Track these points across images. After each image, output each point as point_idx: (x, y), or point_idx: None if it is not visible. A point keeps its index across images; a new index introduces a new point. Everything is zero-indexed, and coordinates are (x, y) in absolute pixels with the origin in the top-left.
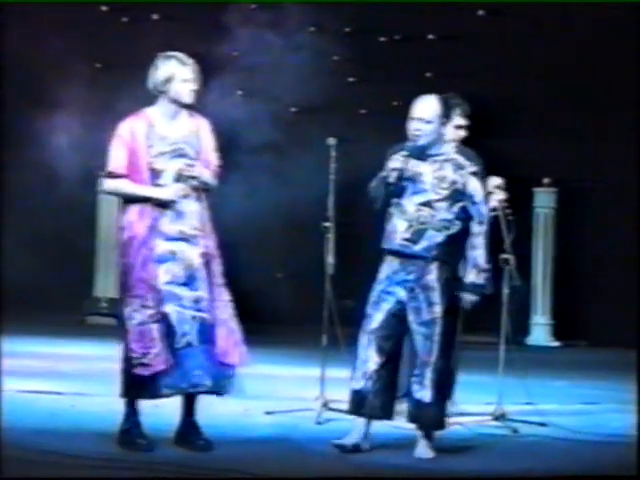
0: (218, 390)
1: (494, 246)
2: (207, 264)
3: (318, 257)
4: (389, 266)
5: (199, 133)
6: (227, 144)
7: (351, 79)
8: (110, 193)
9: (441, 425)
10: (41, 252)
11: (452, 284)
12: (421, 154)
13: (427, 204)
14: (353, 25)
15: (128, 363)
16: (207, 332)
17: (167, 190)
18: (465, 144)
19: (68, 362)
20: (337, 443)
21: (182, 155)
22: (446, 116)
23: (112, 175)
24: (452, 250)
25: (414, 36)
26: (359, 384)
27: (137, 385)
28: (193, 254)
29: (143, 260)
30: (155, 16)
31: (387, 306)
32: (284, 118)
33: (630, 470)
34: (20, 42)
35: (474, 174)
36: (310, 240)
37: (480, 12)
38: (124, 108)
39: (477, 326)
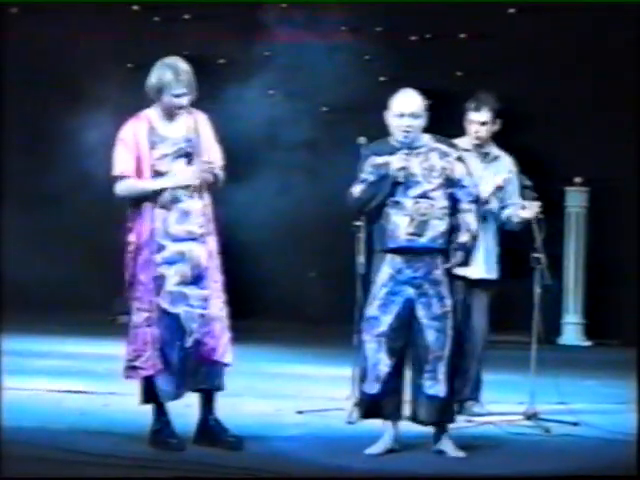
0: (217, 387)
1: (526, 246)
2: (213, 260)
3: (350, 257)
4: (391, 266)
5: (198, 129)
6: (259, 143)
7: (382, 78)
8: (124, 196)
9: (452, 419)
10: (71, 251)
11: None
12: (406, 148)
13: (423, 195)
14: (384, 24)
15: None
16: (211, 330)
17: (185, 174)
18: (497, 142)
19: (99, 361)
20: (371, 453)
21: (184, 155)
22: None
23: (121, 178)
24: (450, 238)
25: (445, 35)
26: (374, 388)
27: (149, 388)
28: (201, 253)
29: (144, 262)
30: (187, 16)
31: (396, 307)
32: (316, 117)
33: None
34: (51, 42)
35: (459, 159)
36: (342, 240)
37: (511, 10)
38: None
39: (509, 325)
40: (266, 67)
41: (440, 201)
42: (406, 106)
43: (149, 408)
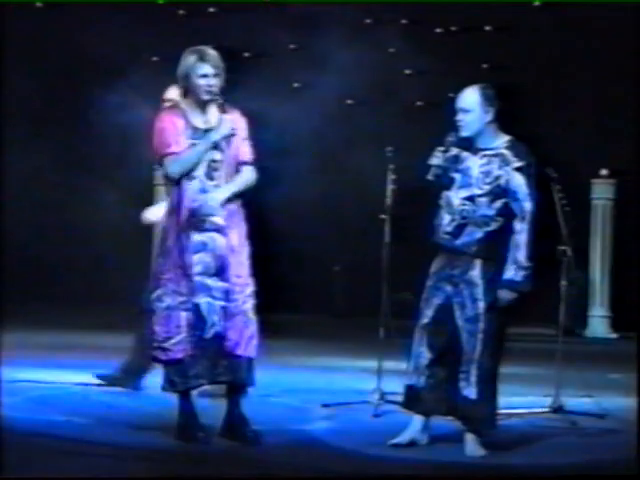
0: (241, 381)
1: (551, 238)
2: (236, 254)
3: (375, 250)
4: (437, 261)
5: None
6: (282, 137)
7: (407, 71)
8: (178, 173)
9: (492, 424)
10: (99, 244)
11: (497, 282)
12: (472, 147)
13: (470, 198)
14: (409, 17)
15: (151, 349)
16: (233, 324)
17: (226, 124)
18: (523, 137)
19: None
20: (394, 443)
21: (215, 147)
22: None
23: (172, 155)
24: (493, 248)
25: (470, 27)
26: (411, 379)
27: (167, 377)
28: (224, 245)
29: (181, 247)
30: (212, 9)
31: (437, 302)
32: (341, 110)
33: None
34: (74, 37)
35: (519, 170)
36: (367, 233)
37: (536, 3)
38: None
39: (535, 318)
40: (291, 60)
41: (483, 209)
42: (459, 100)
43: (176, 401)
